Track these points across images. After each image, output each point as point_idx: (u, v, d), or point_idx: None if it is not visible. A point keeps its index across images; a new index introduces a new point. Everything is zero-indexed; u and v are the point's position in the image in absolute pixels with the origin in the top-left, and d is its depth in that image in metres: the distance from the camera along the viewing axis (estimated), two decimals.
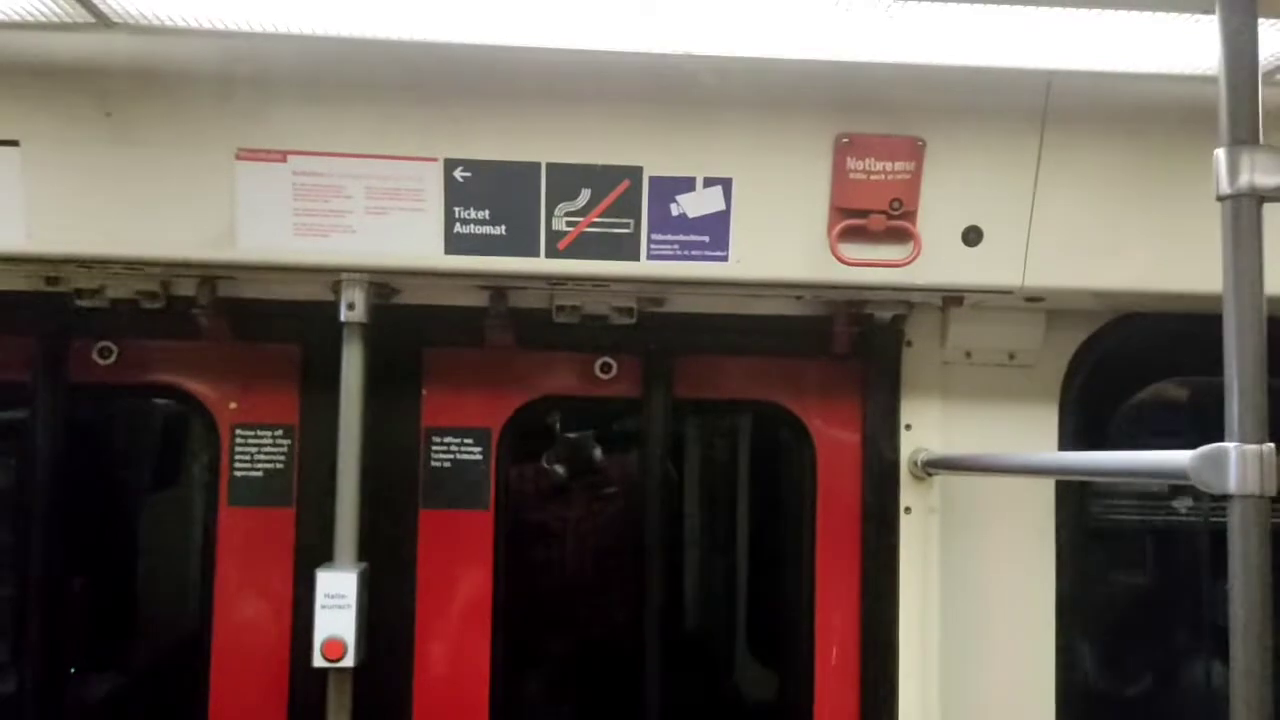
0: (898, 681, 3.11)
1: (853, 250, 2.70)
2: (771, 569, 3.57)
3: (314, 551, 2.98)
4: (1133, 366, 3.32)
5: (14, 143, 2.57)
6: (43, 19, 2.23)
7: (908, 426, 3.17)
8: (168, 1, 2.18)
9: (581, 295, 3.03)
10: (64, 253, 2.70)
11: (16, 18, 2.23)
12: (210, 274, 2.91)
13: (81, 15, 2.20)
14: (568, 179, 2.68)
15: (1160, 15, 2.23)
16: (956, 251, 2.75)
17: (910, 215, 2.71)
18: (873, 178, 2.68)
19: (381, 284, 2.92)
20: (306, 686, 2.94)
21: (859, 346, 3.15)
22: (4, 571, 3.26)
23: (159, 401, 3.50)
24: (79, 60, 2.49)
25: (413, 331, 3.10)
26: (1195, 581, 3.64)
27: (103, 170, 2.60)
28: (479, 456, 3.15)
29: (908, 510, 3.15)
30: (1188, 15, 2.21)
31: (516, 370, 3.19)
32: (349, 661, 2.74)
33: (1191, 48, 2.38)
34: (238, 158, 2.61)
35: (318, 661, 2.74)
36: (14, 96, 2.54)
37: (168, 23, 2.26)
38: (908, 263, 2.70)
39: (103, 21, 2.23)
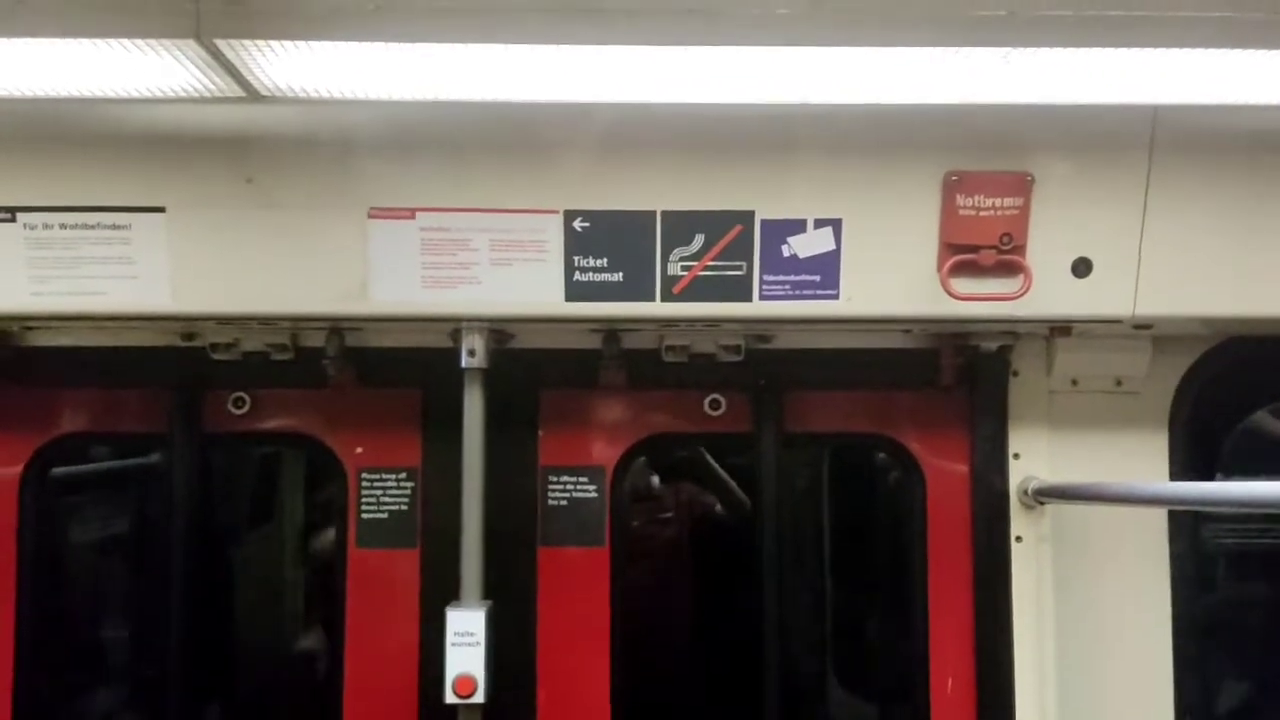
0: (1014, 711, 3.12)
1: (963, 285, 2.75)
2: (884, 602, 3.60)
3: (439, 591, 3.08)
4: (1241, 390, 3.31)
5: (160, 209, 2.73)
6: (196, 94, 2.37)
7: (1016, 455, 3.20)
8: (315, 76, 2.31)
9: (691, 335, 3.11)
10: (207, 312, 2.85)
11: (173, 94, 2.38)
12: (339, 326, 3.04)
13: (233, 90, 2.34)
14: (682, 225, 2.77)
15: (1264, 53, 2.26)
16: (1066, 283, 2.79)
17: (1020, 249, 2.75)
18: (982, 214, 2.73)
19: (499, 330, 3.03)
20: None
21: (965, 377, 3.19)
22: (145, 616, 3.40)
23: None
24: (222, 130, 2.64)
25: (529, 375, 3.20)
26: None
27: (243, 233, 2.74)
28: (594, 494, 3.23)
29: (1019, 539, 3.17)
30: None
31: (628, 409, 3.27)
32: (479, 698, 2.84)
33: None
34: (369, 216, 2.74)
35: (449, 698, 2.84)
36: (162, 166, 2.70)
37: (314, 95, 2.39)
38: (1018, 296, 2.74)
39: (252, 95, 2.37)
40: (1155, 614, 3.19)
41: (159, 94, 2.39)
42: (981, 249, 2.74)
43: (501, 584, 3.06)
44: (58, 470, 3.36)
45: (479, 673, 2.84)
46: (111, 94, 2.40)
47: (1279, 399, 3.43)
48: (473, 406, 2.97)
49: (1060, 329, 3.04)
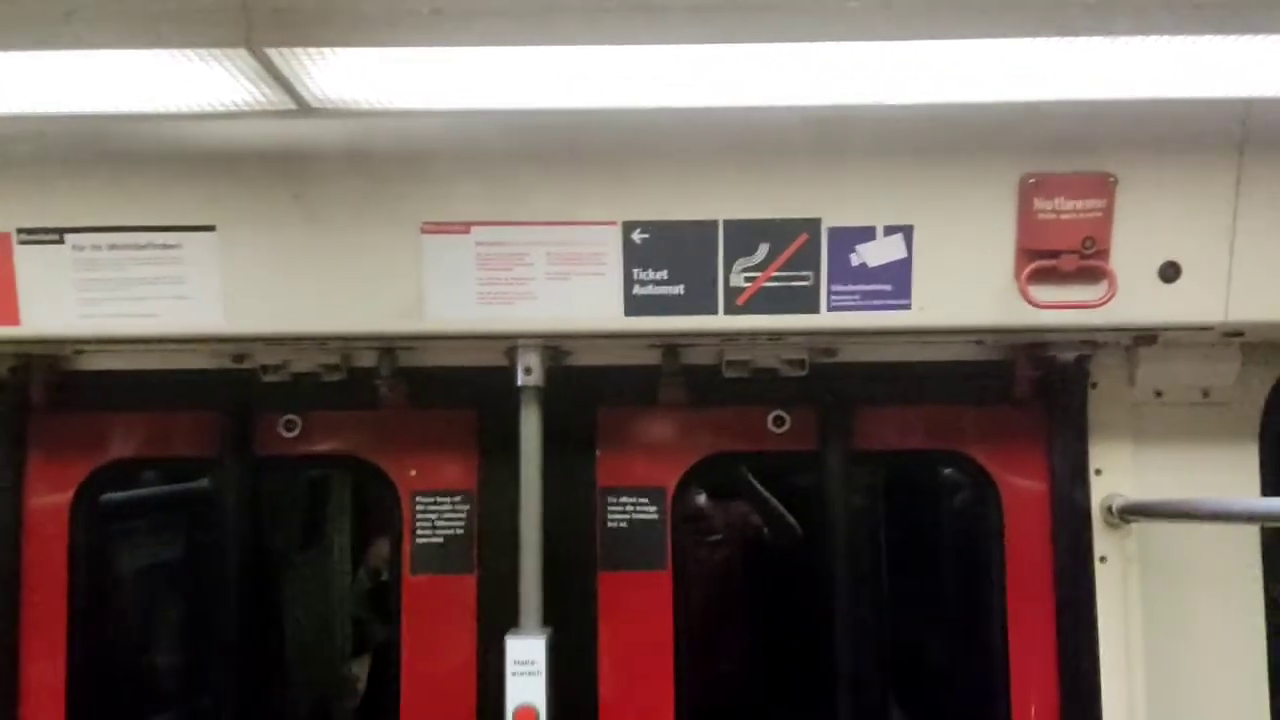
0: None
1: (1043, 292, 2.62)
2: (960, 628, 3.45)
3: (497, 617, 2.98)
4: None
5: (210, 228, 2.67)
6: (246, 107, 2.31)
7: (1098, 472, 3.05)
8: (367, 85, 2.23)
9: (753, 349, 3.00)
10: (259, 332, 2.78)
11: (222, 107, 2.31)
12: (391, 345, 2.96)
13: (284, 102, 2.27)
14: (745, 235, 2.66)
15: None
16: (1153, 289, 2.65)
17: (1103, 254, 2.62)
18: (1063, 217, 2.60)
19: (555, 346, 2.93)
20: None
21: (1041, 390, 3.05)
22: (198, 640, 3.34)
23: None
24: (271, 145, 2.58)
25: (586, 392, 3.10)
26: None
27: (293, 250, 2.67)
28: (655, 516, 3.12)
29: (1103, 560, 3.02)
30: None
31: (689, 427, 3.16)
32: None
33: None
34: (423, 231, 2.66)
35: None
36: (211, 183, 2.64)
37: (365, 105, 2.32)
38: (1103, 303, 2.61)
39: (302, 108, 2.30)
40: (1248, 637, 3.03)
41: (208, 108, 2.33)
42: (1062, 254, 2.61)
43: (560, 610, 2.94)
44: (108, 496, 3.31)
45: (540, 703, 2.72)
46: (160, 109, 2.34)
47: None
48: (529, 426, 2.87)
49: (1145, 338, 2.89)
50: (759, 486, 3.59)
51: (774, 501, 3.65)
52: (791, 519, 3.66)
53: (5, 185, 2.65)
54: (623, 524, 3.12)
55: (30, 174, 2.63)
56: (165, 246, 2.68)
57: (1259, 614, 3.04)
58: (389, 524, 3.21)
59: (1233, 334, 2.83)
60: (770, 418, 3.15)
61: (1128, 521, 2.98)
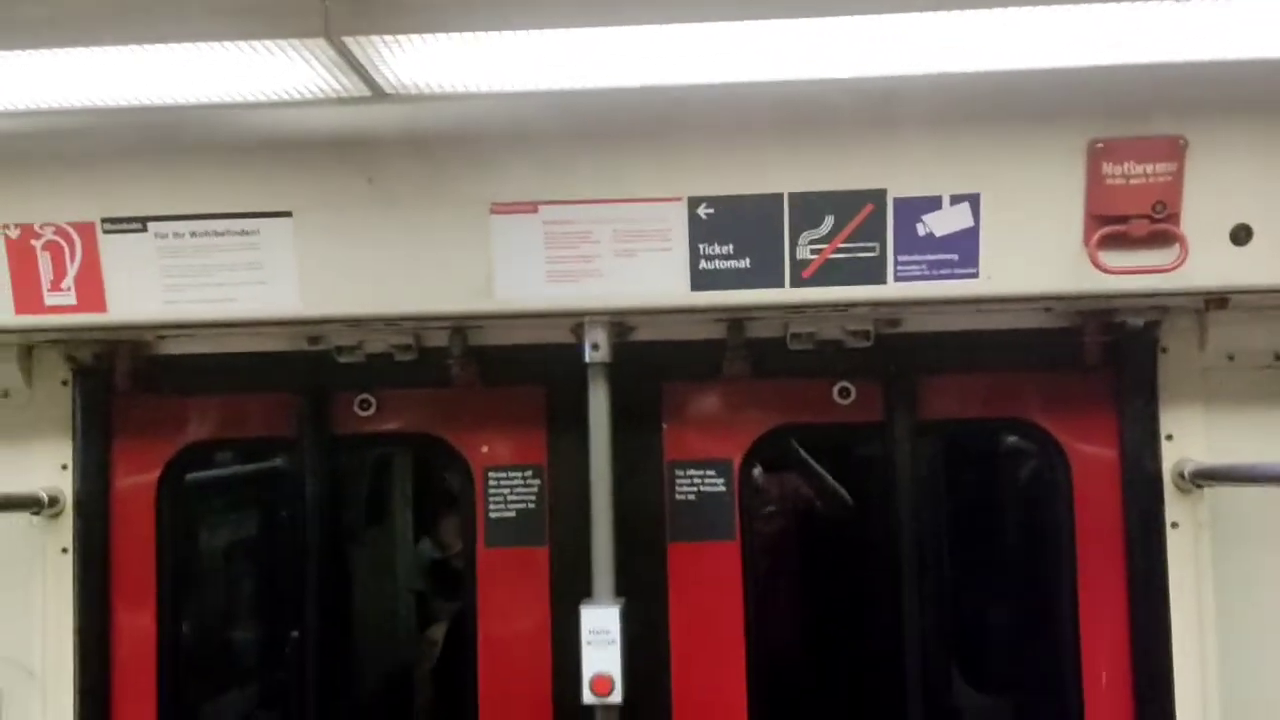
0: (1174, 707, 2.96)
1: (1113, 258, 2.60)
2: (1030, 595, 3.45)
3: (569, 588, 3.04)
4: None
5: (287, 214, 2.74)
6: (322, 95, 2.36)
7: (1169, 437, 3.03)
8: (441, 70, 2.28)
9: (818, 321, 3.01)
10: (335, 314, 2.85)
11: (299, 96, 2.37)
12: (462, 324, 3.02)
13: (359, 89, 2.32)
14: (810, 207, 2.68)
15: None
16: (1224, 252, 2.62)
17: (1174, 218, 2.60)
18: (1132, 182, 2.59)
19: (620, 323, 2.97)
20: None
21: (1110, 356, 3.03)
22: (282, 615, 3.45)
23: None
24: (343, 131, 2.63)
25: (651, 367, 3.13)
26: None
27: (366, 234, 2.74)
28: (722, 488, 3.16)
29: (1175, 526, 3.01)
30: None
31: (754, 399, 3.19)
32: (616, 697, 2.79)
33: None
34: (492, 211, 2.71)
35: (587, 698, 2.79)
36: (286, 170, 2.71)
37: (439, 90, 2.36)
38: (1174, 267, 2.59)
39: (378, 95, 2.35)
40: None
41: (286, 97, 2.38)
42: (1132, 219, 2.60)
43: (631, 581, 3.00)
44: (192, 476, 3.42)
45: (616, 671, 2.78)
46: (238, 99, 2.40)
47: None
48: (598, 401, 2.92)
49: (1216, 301, 2.86)
50: (808, 458, 3.61)
51: (824, 473, 3.66)
52: (842, 489, 3.66)
53: (90, 176, 2.74)
54: (691, 496, 3.16)
55: (114, 165, 2.72)
56: (244, 233, 2.75)
57: None
58: (458, 499, 3.28)
59: None
60: (835, 389, 3.17)
61: (1199, 486, 2.96)
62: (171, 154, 2.72)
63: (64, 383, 3.22)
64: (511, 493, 3.18)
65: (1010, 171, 2.63)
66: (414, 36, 2.09)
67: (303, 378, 3.21)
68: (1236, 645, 3.00)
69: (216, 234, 2.76)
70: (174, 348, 3.22)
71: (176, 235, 2.77)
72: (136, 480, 3.27)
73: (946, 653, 3.22)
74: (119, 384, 3.19)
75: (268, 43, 2.10)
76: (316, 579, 3.21)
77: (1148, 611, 3.00)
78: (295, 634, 3.27)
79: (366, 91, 2.33)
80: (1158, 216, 2.59)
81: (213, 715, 3.62)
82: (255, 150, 2.68)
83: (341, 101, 2.43)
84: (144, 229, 2.77)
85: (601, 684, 2.78)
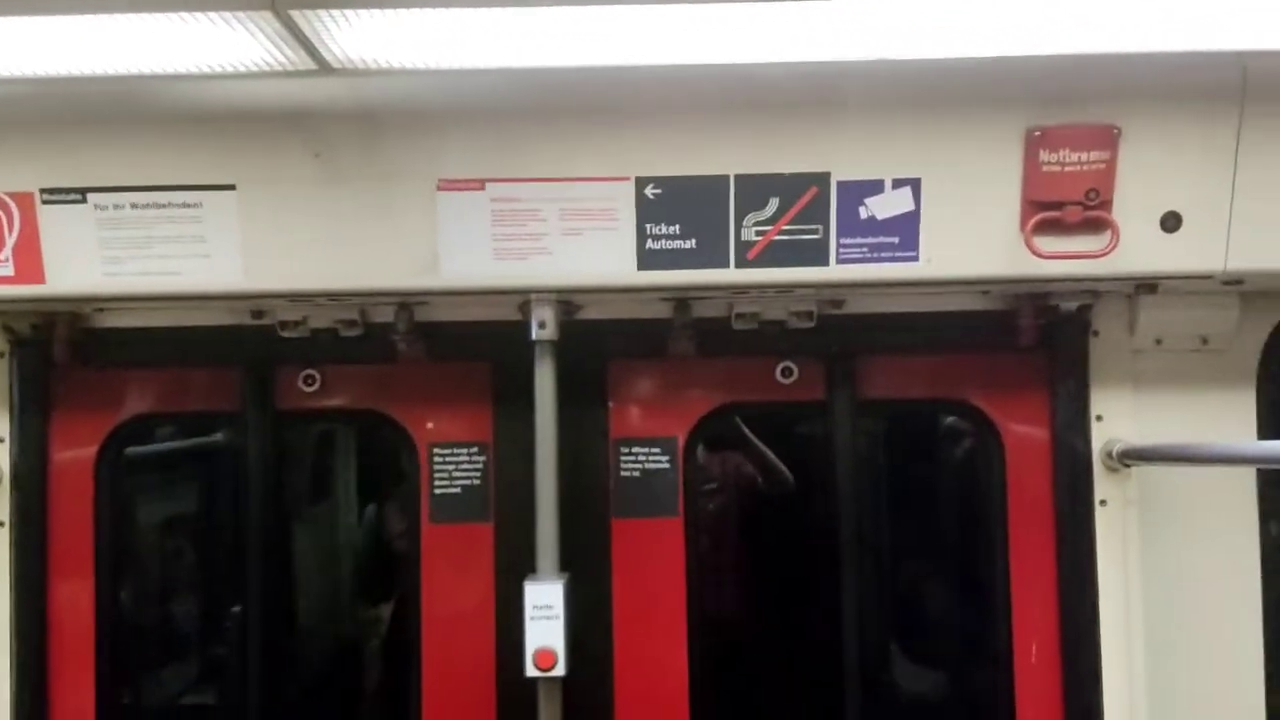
0: (1101, 680, 3.07)
1: (1047, 243, 2.67)
2: (964, 570, 3.54)
3: (513, 564, 3.07)
4: None
5: (231, 186, 2.72)
6: (268, 69, 2.35)
7: (1099, 418, 3.12)
8: (388, 45, 2.27)
9: (762, 302, 3.06)
10: (279, 289, 2.84)
11: (244, 68, 2.36)
12: (408, 301, 3.02)
13: (305, 63, 2.31)
14: (756, 189, 2.71)
15: None
16: (1155, 239, 2.70)
17: (1107, 204, 2.67)
18: (1067, 169, 2.65)
19: (567, 301, 2.99)
20: (514, 696, 3.02)
21: (1044, 338, 3.11)
22: (222, 592, 3.43)
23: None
24: (290, 105, 2.62)
25: (598, 345, 3.16)
26: None
27: (313, 209, 2.72)
28: (667, 465, 3.20)
29: (1103, 503, 3.10)
30: None
31: (699, 378, 3.23)
32: (560, 671, 2.82)
33: None
34: (439, 188, 2.71)
35: (530, 672, 2.82)
36: (231, 142, 2.68)
37: (385, 66, 2.36)
38: (1106, 253, 2.66)
39: (323, 68, 2.34)
40: (1244, 578, 3.12)
41: (231, 69, 2.37)
42: (1066, 205, 2.67)
43: (576, 557, 3.03)
44: (131, 450, 3.38)
45: (559, 646, 2.82)
46: (183, 70, 2.39)
47: None
48: (544, 379, 2.94)
49: (1146, 286, 2.95)
50: (751, 435, 3.66)
51: (765, 449, 3.71)
52: (782, 466, 3.72)
53: (29, 145, 2.69)
54: (635, 473, 3.20)
55: (54, 134, 2.68)
56: (186, 205, 2.73)
57: (1254, 555, 3.12)
58: (403, 475, 3.29)
59: (1231, 282, 2.89)
60: (779, 369, 3.22)
61: (1128, 465, 3.05)
62: (113, 125, 2.68)
63: (1, 355, 3.17)
64: (457, 469, 3.19)
65: (950, 157, 2.68)
66: (361, 11, 2.09)
67: (246, 352, 3.19)
68: (1160, 617, 3.10)
69: (158, 206, 2.73)
70: (114, 320, 3.18)
71: (117, 207, 2.74)
72: (75, 454, 3.23)
73: (884, 627, 3.30)
74: (58, 356, 3.14)
75: (213, 14, 2.09)
76: (259, 555, 3.20)
77: (1076, 586, 3.09)
78: (236, 609, 3.26)
79: (313, 65, 2.33)
80: (1091, 203, 2.66)
81: (152, 691, 3.59)
82: (199, 122, 2.65)
83: (288, 75, 2.42)
84: (84, 200, 2.73)
85: (545, 658, 2.81)
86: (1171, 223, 2.69)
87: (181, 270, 2.77)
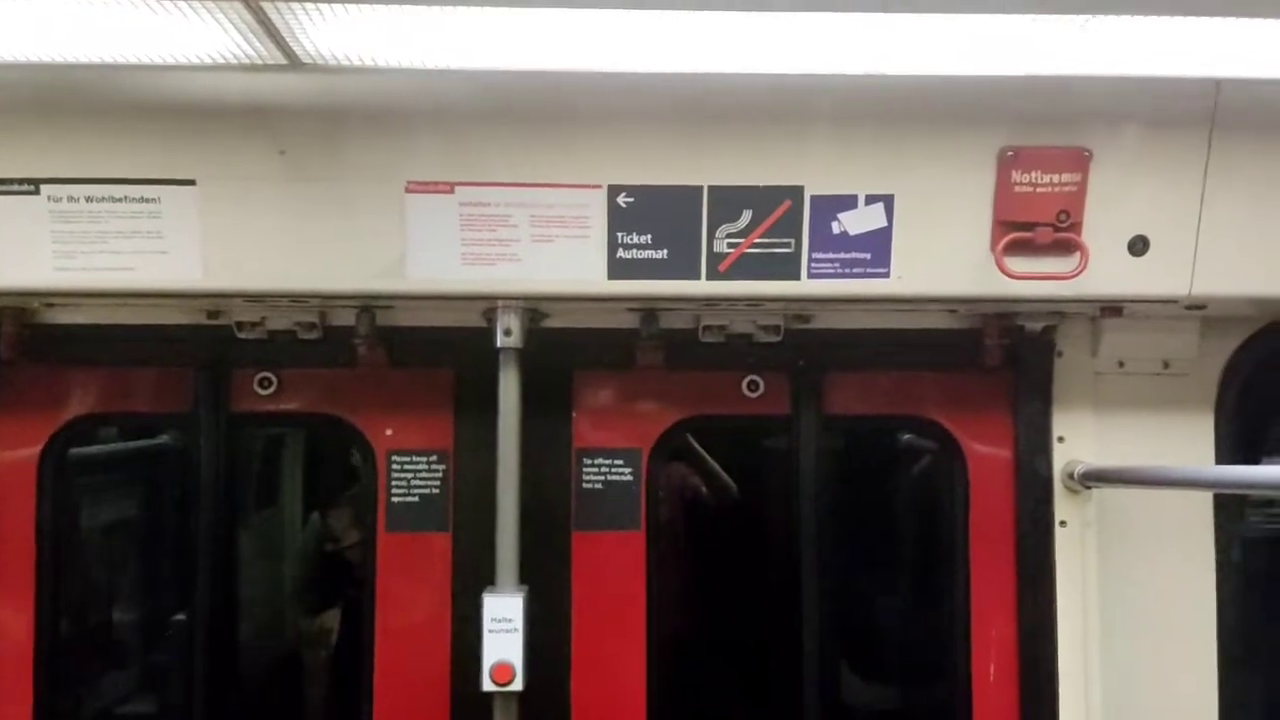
0: (1058, 699, 3.07)
1: (1017, 264, 2.68)
2: (925, 588, 3.54)
3: (471, 575, 3.01)
4: None
5: (191, 182, 2.64)
6: (236, 61, 2.28)
7: (1060, 439, 3.14)
8: (360, 42, 2.22)
9: (730, 315, 3.04)
10: (238, 288, 2.76)
11: (212, 60, 2.29)
12: (370, 304, 2.96)
13: (274, 57, 2.25)
14: (729, 201, 2.69)
15: None
16: (1123, 262, 2.72)
17: (1076, 227, 2.68)
18: (1039, 190, 2.66)
19: (533, 309, 2.95)
20: (469, 710, 2.96)
21: (1009, 358, 3.12)
22: (170, 596, 3.34)
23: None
24: (255, 100, 2.55)
25: (563, 355, 3.12)
26: None
27: (276, 207, 2.65)
28: (630, 477, 3.16)
29: (1063, 524, 3.12)
30: None
31: (665, 390, 3.20)
32: (517, 685, 2.77)
33: None
34: (407, 190, 2.65)
35: (487, 685, 2.77)
36: (192, 137, 2.60)
37: (356, 63, 2.30)
38: (1075, 275, 2.68)
39: (293, 63, 2.28)
40: (1200, 599, 3.15)
41: (197, 61, 2.30)
42: (1037, 226, 2.68)
43: (535, 569, 2.98)
44: (78, 450, 3.28)
45: (517, 660, 2.77)
46: (144, 60, 2.31)
47: None
48: (508, 387, 2.89)
49: (1111, 309, 2.97)
50: (698, 447, 3.64)
51: (711, 462, 3.69)
52: (728, 479, 3.70)
53: None
54: (598, 485, 3.16)
55: (7, 122, 2.58)
56: (144, 200, 2.64)
57: (1210, 578, 3.15)
58: (358, 482, 3.22)
59: (1195, 307, 2.92)
60: (745, 383, 3.20)
61: (1088, 487, 3.07)
62: (70, 115, 2.59)
63: None
64: (415, 477, 3.13)
65: (924, 174, 2.68)
66: (335, 6, 2.03)
67: (200, 352, 3.10)
68: (1117, 639, 3.12)
69: (115, 200, 2.64)
70: (64, 317, 3.07)
71: (72, 200, 2.64)
72: (18, 454, 3.12)
73: (843, 643, 3.28)
74: (3, 353, 3.02)
75: (182, 4, 2.02)
76: (208, 561, 3.11)
77: (1035, 606, 3.10)
78: (181, 616, 3.16)
79: (283, 60, 2.27)
80: (1061, 225, 2.67)
81: (93, 700, 3.48)
82: (160, 115, 2.57)
83: (256, 69, 2.36)
84: (36, 191, 2.64)
85: (502, 672, 2.76)
86: (1139, 246, 2.72)
87: (136, 266, 2.68)
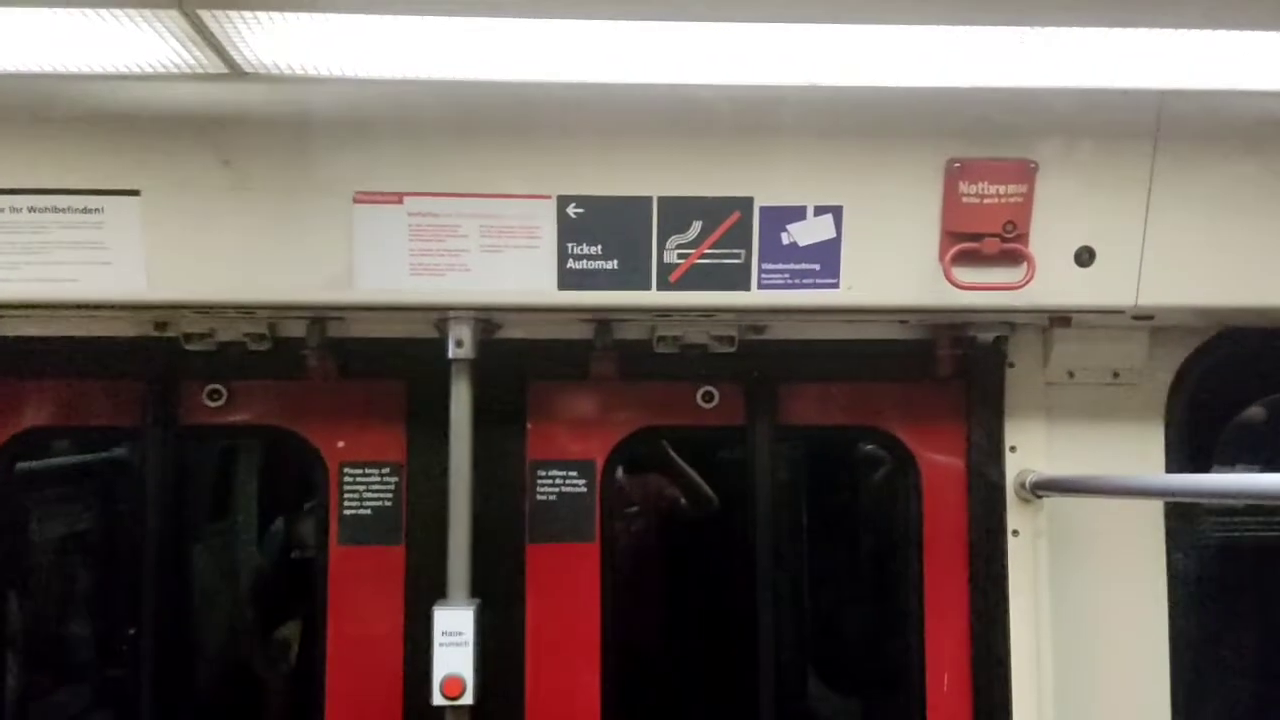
0: (1011, 707, 3.08)
1: (965, 274, 2.69)
2: (879, 597, 3.55)
3: (424, 588, 2.99)
4: (1236, 381, 3.29)
5: (135, 192, 2.61)
6: (176, 70, 2.26)
7: (1012, 448, 3.15)
8: (303, 51, 2.20)
9: (684, 325, 3.04)
10: (183, 300, 2.73)
11: (151, 69, 2.26)
12: (320, 315, 2.94)
13: (215, 66, 2.23)
14: (679, 211, 2.69)
15: (1273, 33, 2.21)
16: (1069, 272, 2.74)
17: (1023, 237, 2.70)
18: (986, 201, 2.68)
19: (486, 319, 2.93)
20: None
21: (961, 369, 3.14)
22: (119, 612, 3.28)
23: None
24: (200, 109, 2.53)
25: (517, 365, 3.11)
26: None
27: (221, 217, 2.63)
28: (584, 489, 3.15)
29: (1015, 534, 3.13)
30: None
31: (619, 401, 3.19)
32: (468, 699, 2.76)
33: None
34: (355, 200, 2.63)
35: (437, 700, 2.75)
36: (136, 146, 2.58)
37: (300, 72, 2.29)
38: (1022, 285, 2.69)
39: (235, 72, 2.26)
40: (1152, 607, 3.17)
41: (136, 70, 2.27)
42: (985, 237, 2.69)
43: (488, 582, 2.97)
44: (25, 464, 3.23)
45: (467, 673, 2.75)
46: (85, 69, 2.28)
47: (1273, 391, 3.41)
48: (460, 399, 2.88)
49: (1060, 319, 3.00)
50: (677, 457, 3.63)
51: (691, 473, 3.69)
52: (708, 489, 3.70)
53: None
54: (552, 496, 3.14)
55: None
56: (87, 210, 2.61)
57: (1162, 586, 3.17)
58: (311, 494, 3.19)
59: (1142, 317, 2.95)
60: (699, 393, 3.19)
61: (1040, 496, 3.08)
62: (11, 124, 2.56)
63: None
64: (368, 489, 3.10)
65: (872, 186, 2.69)
66: (274, 14, 2.02)
67: (148, 365, 3.06)
68: (1070, 648, 3.13)
69: (57, 210, 2.61)
70: (9, 329, 3.03)
71: (13, 210, 2.61)
72: None
73: (800, 655, 3.28)
74: None
75: (117, 11, 2.00)
76: (157, 577, 3.07)
77: (988, 616, 3.11)
78: (131, 632, 3.12)
79: (224, 69, 2.24)
80: (1008, 236, 2.69)
81: (43, 715, 3.43)
82: (103, 125, 2.54)
83: (198, 78, 2.33)
84: None
85: (452, 685, 2.74)
86: (1085, 257, 2.74)
87: (80, 278, 2.65)
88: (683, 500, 3.82)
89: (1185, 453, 3.20)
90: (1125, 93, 2.56)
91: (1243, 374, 3.26)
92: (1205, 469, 3.28)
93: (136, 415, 3.10)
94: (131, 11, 1.99)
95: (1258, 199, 2.73)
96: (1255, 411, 3.44)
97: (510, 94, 2.53)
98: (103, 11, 1.99)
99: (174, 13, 1.98)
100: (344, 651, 3.08)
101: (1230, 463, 3.33)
